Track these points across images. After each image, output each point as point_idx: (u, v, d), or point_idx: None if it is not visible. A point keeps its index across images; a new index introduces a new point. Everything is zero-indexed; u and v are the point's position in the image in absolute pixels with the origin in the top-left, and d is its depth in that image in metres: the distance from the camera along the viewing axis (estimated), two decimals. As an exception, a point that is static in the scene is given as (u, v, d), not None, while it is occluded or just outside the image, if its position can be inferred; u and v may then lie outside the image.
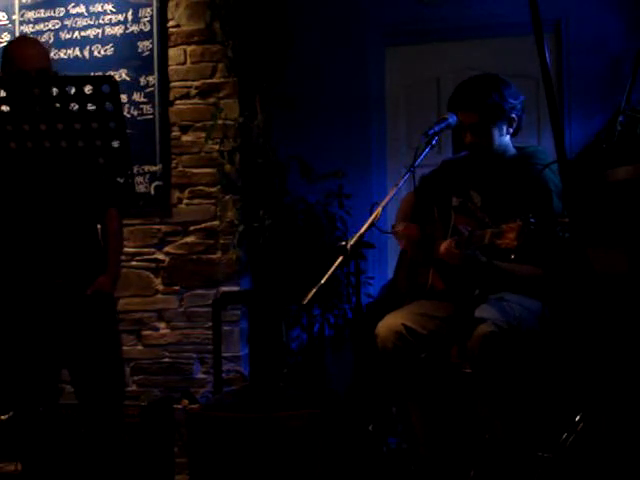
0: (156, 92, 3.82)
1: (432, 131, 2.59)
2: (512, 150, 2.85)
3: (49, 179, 2.36)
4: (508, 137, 2.82)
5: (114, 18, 3.87)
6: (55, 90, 2.26)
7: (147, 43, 3.84)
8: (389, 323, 2.75)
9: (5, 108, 2.29)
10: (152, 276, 3.86)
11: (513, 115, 2.77)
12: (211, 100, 3.80)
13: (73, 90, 2.24)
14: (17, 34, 3.94)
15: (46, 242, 2.68)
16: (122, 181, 2.35)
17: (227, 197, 3.77)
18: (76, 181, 2.35)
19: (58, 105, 2.26)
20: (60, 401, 2.91)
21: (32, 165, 2.33)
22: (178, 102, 3.84)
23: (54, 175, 2.34)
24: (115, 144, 2.28)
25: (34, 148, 2.27)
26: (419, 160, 2.55)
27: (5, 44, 2.77)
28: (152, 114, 3.82)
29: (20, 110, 2.27)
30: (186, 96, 3.84)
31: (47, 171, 2.33)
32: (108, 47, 3.87)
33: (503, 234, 2.41)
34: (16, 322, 2.68)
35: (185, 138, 3.84)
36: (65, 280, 2.68)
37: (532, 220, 2.36)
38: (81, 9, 3.91)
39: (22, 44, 2.76)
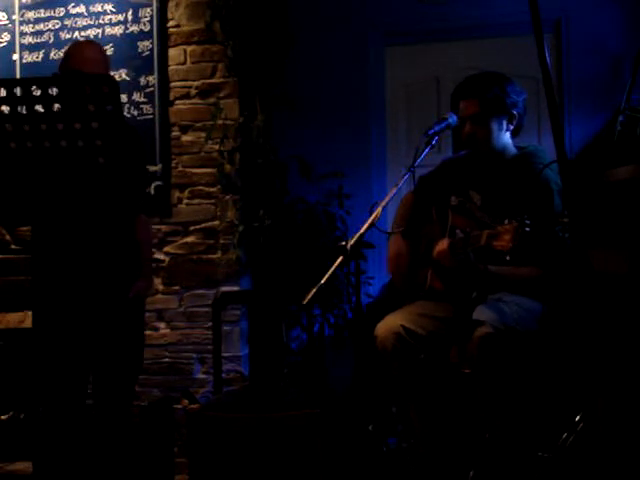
0: (156, 92, 3.82)
1: (432, 131, 2.60)
2: (512, 149, 2.85)
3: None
4: (508, 135, 2.82)
5: (114, 18, 3.87)
6: (55, 90, 2.25)
7: (147, 43, 3.84)
8: (388, 324, 2.75)
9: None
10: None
11: (514, 111, 2.77)
12: (211, 100, 3.80)
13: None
14: (17, 34, 3.95)
15: (83, 247, 2.72)
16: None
17: (227, 197, 3.77)
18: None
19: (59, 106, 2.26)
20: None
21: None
22: (178, 102, 3.84)
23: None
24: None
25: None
26: (419, 160, 2.56)
27: (69, 45, 2.84)
28: (152, 114, 3.82)
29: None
30: (186, 96, 3.83)
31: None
32: (108, 47, 3.86)
33: (499, 236, 2.40)
34: (56, 323, 2.74)
35: (185, 138, 3.84)
36: (104, 283, 2.73)
37: (527, 222, 2.35)
38: (81, 9, 3.91)
39: (82, 46, 2.83)
